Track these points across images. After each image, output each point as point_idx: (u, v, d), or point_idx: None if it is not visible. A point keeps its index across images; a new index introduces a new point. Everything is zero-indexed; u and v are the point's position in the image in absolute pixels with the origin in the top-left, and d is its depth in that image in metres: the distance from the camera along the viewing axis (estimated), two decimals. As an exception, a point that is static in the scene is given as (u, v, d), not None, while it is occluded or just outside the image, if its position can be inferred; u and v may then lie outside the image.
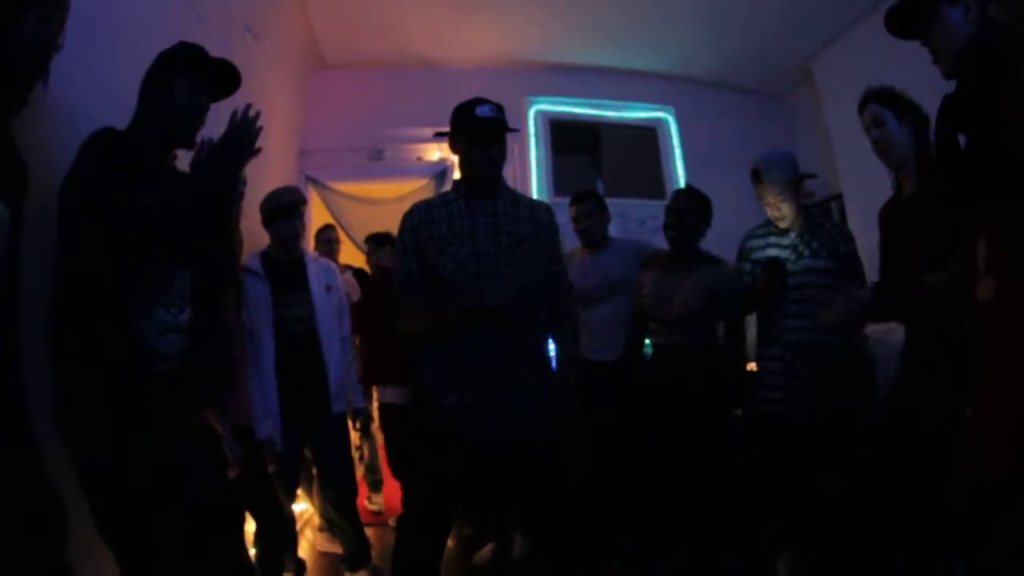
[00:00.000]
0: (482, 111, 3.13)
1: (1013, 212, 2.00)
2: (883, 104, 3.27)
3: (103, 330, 2.35)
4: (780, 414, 3.78)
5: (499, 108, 3.16)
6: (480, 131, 3.12)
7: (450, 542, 5.06)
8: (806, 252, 3.79)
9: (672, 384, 4.10)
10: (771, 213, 3.90)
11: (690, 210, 4.25)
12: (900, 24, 2.43)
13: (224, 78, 2.81)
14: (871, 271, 3.71)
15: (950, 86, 2.28)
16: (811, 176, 4.07)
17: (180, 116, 2.63)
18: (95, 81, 2.85)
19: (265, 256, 4.09)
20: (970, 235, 2.29)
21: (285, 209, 4.08)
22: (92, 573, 2.49)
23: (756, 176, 3.86)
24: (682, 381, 4.08)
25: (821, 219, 3.98)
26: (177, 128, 2.64)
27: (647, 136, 8.24)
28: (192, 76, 2.65)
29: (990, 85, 1.97)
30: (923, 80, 2.85)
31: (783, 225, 3.88)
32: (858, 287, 3.71)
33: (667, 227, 4.28)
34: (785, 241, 3.88)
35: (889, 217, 3.41)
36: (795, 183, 3.83)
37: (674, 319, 4.14)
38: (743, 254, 4.08)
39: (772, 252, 3.90)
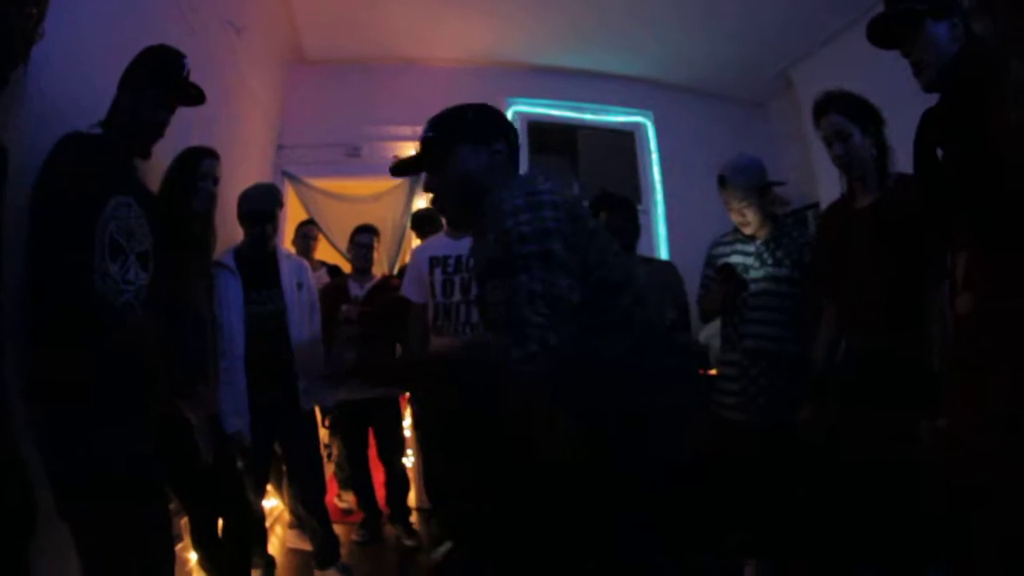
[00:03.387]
0: None
1: (992, 226, 2.02)
2: (847, 116, 3.24)
3: (62, 296, 2.40)
4: (737, 420, 3.80)
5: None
6: None
7: (410, 541, 5.11)
8: (769, 260, 3.81)
9: None
10: (735, 219, 3.91)
11: (624, 227, 4.35)
12: (882, 35, 2.43)
13: (192, 90, 2.89)
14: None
15: (929, 99, 2.29)
16: (780, 184, 4.08)
17: (141, 128, 2.74)
18: (76, 70, 2.86)
19: (239, 252, 4.10)
20: (949, 249, 2.31)
21: (260, 215, 4.12)
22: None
23: (721, 182, 3.86)
24: None
25: (789, 228, 3.99)
26: (136, 138, 2.74)
27: (625, 140, 8.24)
28: (161, 89, 2.74)
29: (977, 100, 1.98)
30: (902, 93, 2.87)
31: (748, 231, 3.89)
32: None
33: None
34: (750, 248, 3.90)
35: (836, 223, 3.46)
36: (761, 190, 3.83)
37: None
38: (709, 260, 4.11)
39: (736, 259, 3.92)
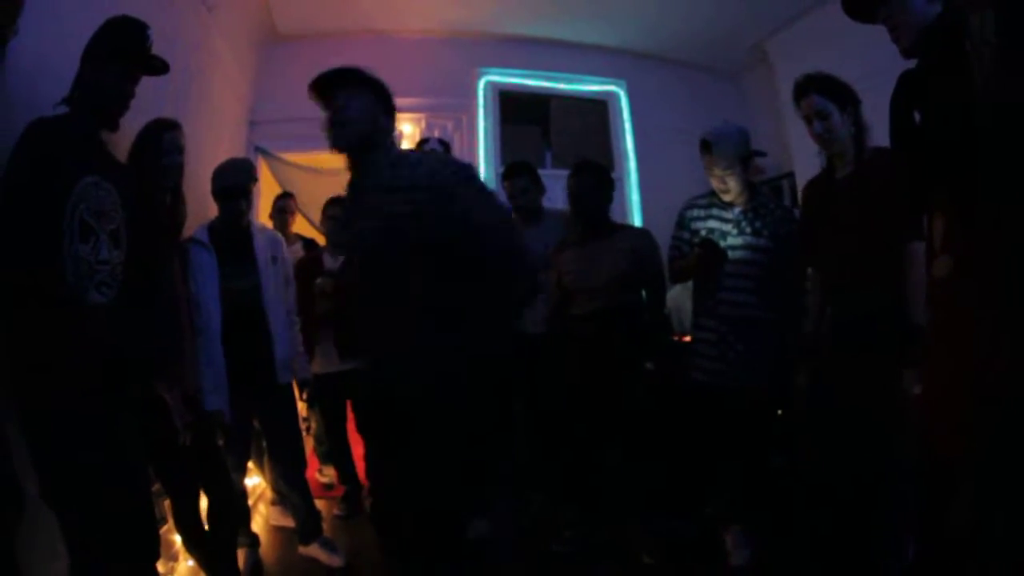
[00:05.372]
0: None
1: (970, 189, 2.03)
2: (826, 96, 3.34)
3: (33, 276, 2.40)
4: (715, 385, 3.87)
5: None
6: None
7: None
8: (748, 229, 3.85)
9: (601, 348, 4.18)
10: (717, 186, 3.93)
11: (590, 190, 4.34)
12: (858, 6, 2.43)
13: (155, 60, 2.89)
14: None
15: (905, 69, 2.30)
16: (762, 154, 4.11)
17: (107, 101, 2.72)
18: (49, 55, 2.85)
19: (212, 227, 4.07)
20: (925, 213, 2.33)
21: (234, 190, 4.09)
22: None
23: (705, 148, 3.87)
24: (611, 344, 4.16)
25: (766, 198, 4.02)
26: (102, 111, 2.73)
27: (597, 109, 8.23)
28: (124, 61, 2.72)
29: (953, 62, 1.98)
30: (876, 66, 2.89)
31: (728, 199, 3.92)
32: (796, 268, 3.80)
33: (578, 208, 4.36)
34: (728, 215, 3.92)
35: (818, 194, 3.56)
36: (744, 158, 3.85)
37: (601, 286, 4.20)
38: (683, 223, 4.11)
39: (713, 224, 3.94)
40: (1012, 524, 1.86)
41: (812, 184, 3.62)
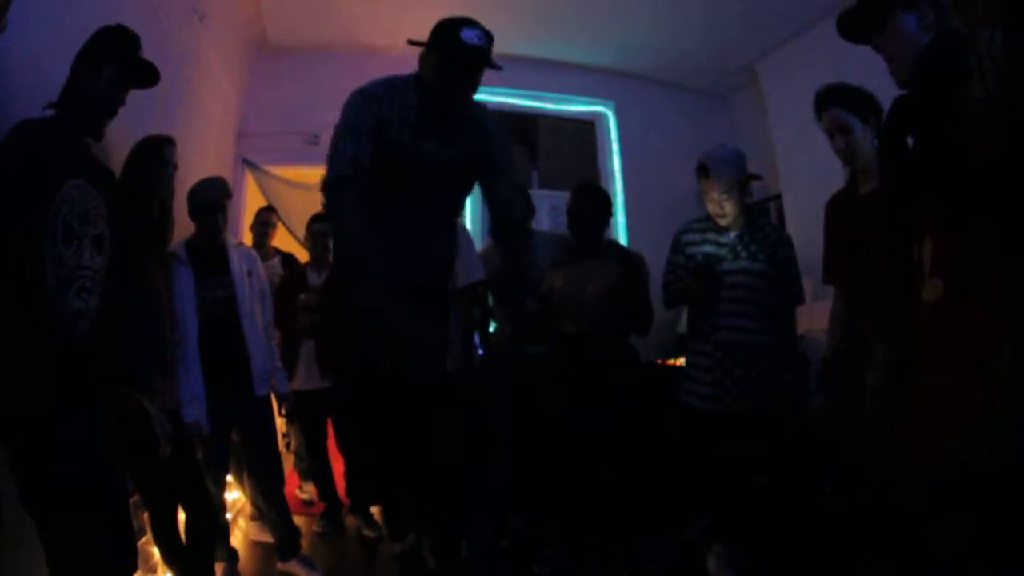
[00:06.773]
0: (468, 36, 3.09)
1: (960, 214, 2.03)
2: (848, 108, 3.25)
3: (11, 294, 2.38)
4: (709, 410, 3.84)
5: (488, 36, 3.15)
6: (460, 59, 3.11)
7: (371, 532, 5.07)
8: (744, 253, 3.83)
9: (587, 369, 4.15)
10: (713, 210, 3.90)
11: (594, 208, 4.35)
12: (852, 28, 2.42)
13: (147, 71, 2.87)
14: (807, 272, 3.77)
15: (895, 94, 2.30)
16: (758, 177, 4.08)
17: (95, 106, 2.69)
18: (38, 59, 2.86)
19: (190, 243, 4.10)
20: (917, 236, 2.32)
21: (209, 206, 4.11)
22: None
23: (702, 171, 3.85)
24: (595, 365, 4.14)
25: (762, 221, 4.01)
26: (92, 117, 2.70)
27: (585, 129, 8.27)
28: (117, 68, 2.70)
29: (948, 94, 1.97)
30: (868, 88, 2.89)
31: (724, 223, 3.90)
32: (792, 291, 3.78)
33: (574, 226, 4.36)
34: (723, 239, 3.90)
35: (841, 210, 3.47)
36: (741, 182, 3.84)
37: (588, 304, 4.19)
38: (678, 247, 4.09)
39: (709, 249, 3.92)
40: (1011, 535, 1.85)
41: (835, 200, 3.54)
